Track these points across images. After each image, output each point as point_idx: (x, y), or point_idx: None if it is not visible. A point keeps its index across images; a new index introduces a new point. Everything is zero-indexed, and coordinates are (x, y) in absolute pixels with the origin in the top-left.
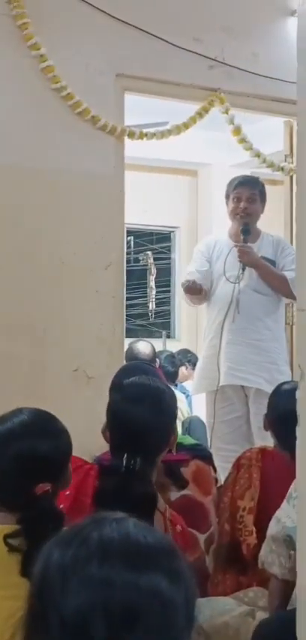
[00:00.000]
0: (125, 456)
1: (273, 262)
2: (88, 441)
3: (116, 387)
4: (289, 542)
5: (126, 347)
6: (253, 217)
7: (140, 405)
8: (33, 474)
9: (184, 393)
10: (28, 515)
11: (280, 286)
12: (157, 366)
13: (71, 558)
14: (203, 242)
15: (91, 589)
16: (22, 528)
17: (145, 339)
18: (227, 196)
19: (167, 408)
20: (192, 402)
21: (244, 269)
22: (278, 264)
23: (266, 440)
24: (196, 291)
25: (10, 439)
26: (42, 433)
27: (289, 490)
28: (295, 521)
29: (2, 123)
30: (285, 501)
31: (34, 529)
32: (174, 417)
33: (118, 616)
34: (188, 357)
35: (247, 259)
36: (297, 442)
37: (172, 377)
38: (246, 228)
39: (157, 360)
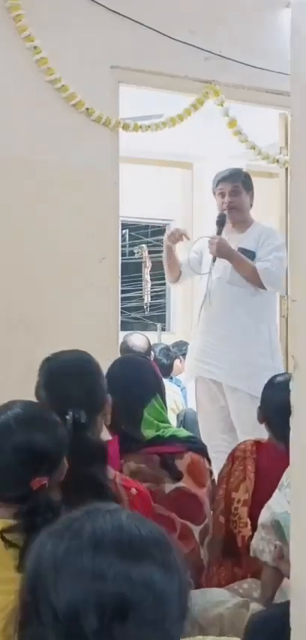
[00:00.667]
0: (70, 413)
1: (253, 253)
2: None
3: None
4: (276, 528)
5: (121, 340)
6: (239, 209)
7: (65, 372)
8: (29, 467)
9: (178, 385)
10: (25, 509)
11: (250, 277)
12: (152, 359)
13: (64, 551)
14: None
15: (83, 581)
16: (18, 523)
17: (139, 331)
18: (213, 193)
19: (91, 373)
20: (187, 394)
21: (214, 260)
22: (257, 254)
23: (251, 432)
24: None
25: (5, 433)
26: (38, 426)
27: (281, 479)
28: (284, 508)
29: None
30: (277, 490)
31: (31, 523)
32: (103, 386)
33: (111, 608)
34: (183, 351)
35: (214, 250)
36: (291, 432)
37: (167, 370)
38: (220, 220)
39: (152, 352)
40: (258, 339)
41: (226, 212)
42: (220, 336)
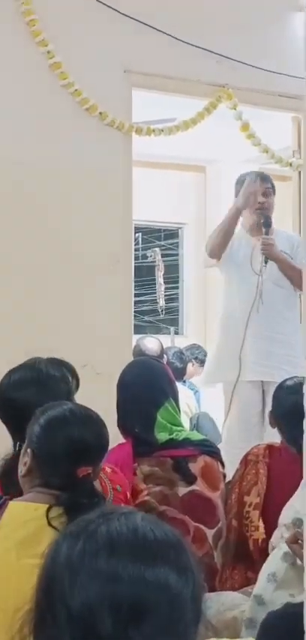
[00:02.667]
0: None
1: (289, 256)
2: None
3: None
4: (298, 526)
5: (134, 343)
6: (270, 211)
7: (23, 389)
8: (77, 458)
9: (192, 389)
10: (67, 495)
11: (299, 279)
12: (165, 362)
13: (79, 552)
14: None
15: (98, 583)
16: (64, 507)
17: (152, 335)
18: (235, 191)
19: (51, 389)
20: (200, 398)
21: (266, 262)
22: (294, 258)
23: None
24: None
25: (61, 423)
26: (89, 423)
27: (304, 478)
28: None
29: (11, 118)
30: (299, 488)
31: (76, 508)
32: (60, 387)
33: (126, 610)
34: (196, 354)
35: (270, 252)
36: (304, 435)
37: (180, 373)
38: (267, 221)
39: (165, 356)
40: (301, 339)
41: (268, 214)
42: (275, 338)
